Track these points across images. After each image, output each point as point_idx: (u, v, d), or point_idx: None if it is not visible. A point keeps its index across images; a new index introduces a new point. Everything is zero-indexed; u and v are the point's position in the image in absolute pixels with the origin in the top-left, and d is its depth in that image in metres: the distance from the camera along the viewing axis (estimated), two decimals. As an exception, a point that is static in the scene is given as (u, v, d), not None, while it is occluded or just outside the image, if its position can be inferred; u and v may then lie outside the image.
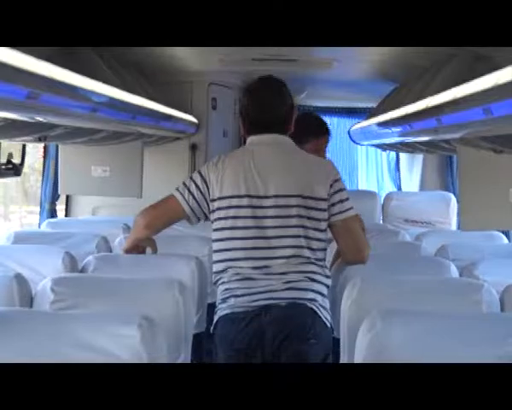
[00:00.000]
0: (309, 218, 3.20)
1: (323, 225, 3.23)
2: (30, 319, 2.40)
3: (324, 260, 3.29)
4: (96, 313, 2.59)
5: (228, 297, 3.20)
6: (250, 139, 3.37)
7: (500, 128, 2.30)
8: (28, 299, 3.10)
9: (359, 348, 2.40)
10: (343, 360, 3.08)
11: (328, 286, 3.27)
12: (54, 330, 2.34)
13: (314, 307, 3.16)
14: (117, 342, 2.28)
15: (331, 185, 3.23)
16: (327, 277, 3.27)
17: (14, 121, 2.49)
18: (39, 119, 2.65)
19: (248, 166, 3.26)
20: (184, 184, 3.35)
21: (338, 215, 3.24)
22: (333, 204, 3.23)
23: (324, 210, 3.21)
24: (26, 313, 2.61)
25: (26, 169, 6.01)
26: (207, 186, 3.28)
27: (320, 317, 3.17)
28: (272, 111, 3.33)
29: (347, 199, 3.26)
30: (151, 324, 2.37)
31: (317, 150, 3.93)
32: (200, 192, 3.30)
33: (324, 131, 4.30)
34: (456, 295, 3.12)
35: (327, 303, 3.24)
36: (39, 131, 2.94)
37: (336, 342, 3.26)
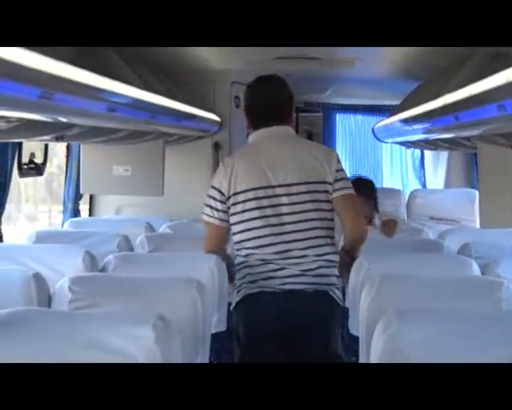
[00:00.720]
0: (318, 201, 3.48)
1: (330, 205, 3.51)
2: (45, 318, 2.40)
3: (334, 236, 3.59)
4: (112, 312, 2.58)
5: (256, 280, 3.47)
6: (254, 134, 3.59)
7: (515, 125, 2.28)
8: (46, 298, 3.11)
9: (375, 348, 2.38)
10: (362, 358, 3.06)
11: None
12: (69, 329, 2.33)
13: (333, 295, 3.51)
14: (132, 343, 2.27)
15: (336, 171, 3.50)
16: (335, 253, 3.57)
17: (29, 121, 2.50)
18: (56, 118, 2.66)
19: (257, 160, 3.49)
20: (205, 204, 3.55)
21: (339, 191, 3.50)
22: (335, 188, 3.49)
23: (329, 192, 3.49)
24: (42, 312, 2.61)
25: (53, 169, 6.05)
26: (223, 193, 3.48)
27: (338, 303, 3.54)
28: (271, 103, 3.57)
29: (347, 179, 3.58)
30: (166, 324, 2.35)
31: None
32: (221, 202, 3.50)
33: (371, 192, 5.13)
34: (475, 293, 3.08)
35: (339, 281, 3.60)
36: (56, 131, 2.95)
37: (355, 340, 3.25)
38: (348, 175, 3.73)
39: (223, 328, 3.69)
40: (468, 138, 3.57)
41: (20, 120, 2.42)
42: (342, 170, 3.54)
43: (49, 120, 2.71)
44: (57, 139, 3.13)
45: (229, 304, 3.86)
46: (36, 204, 6.94)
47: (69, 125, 2.92)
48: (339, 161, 3.53)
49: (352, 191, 3.53)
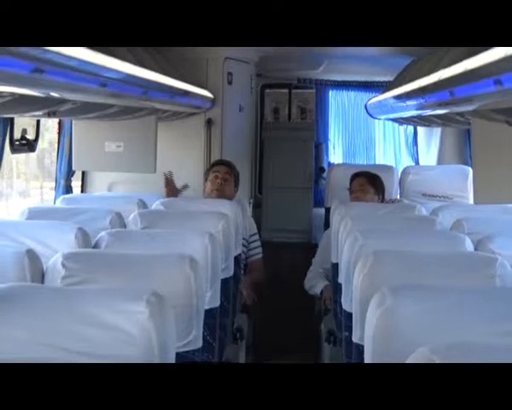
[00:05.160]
0: None
1: None
2: (39, 294, 2.40)
3: None
4: (106, 288, 2.58)
5: None
6: None
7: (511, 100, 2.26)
8: (39, 274, 3.10)
9: (369, 324, 2.38)
10: (355, 335, 3.07)
11: None
12: (63, 305, 2.33)
13: None
14: (126, 318, 2.28)
15: None
16: None
17: (21, 96, 2.48)
18: (48, 93, 2.64)
19: None
20: None
21: None
22: None
23: None
24: (36, 288, 2.60)
25: (45, 145, 6.02)
26: None
27: None
28: None
29: None
30: (160, 299, 2.36)
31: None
32: None
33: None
34: (469, 268, 3.08)
35: None
36: (48, 107, 2.93)
37: (349, 316, 3.25)
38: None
39: (216, 304, 3.70)
40: (461, 114, 3.56)
41: (12, 94, 2.41)
42: None
43: (41, 95, 2.68)
44: (49, 115, 3.11)
45: (222, 280, 3.87)
46: (27, 180, 6.92)
47: (61, 101, 2.90)
48: None
49: None
